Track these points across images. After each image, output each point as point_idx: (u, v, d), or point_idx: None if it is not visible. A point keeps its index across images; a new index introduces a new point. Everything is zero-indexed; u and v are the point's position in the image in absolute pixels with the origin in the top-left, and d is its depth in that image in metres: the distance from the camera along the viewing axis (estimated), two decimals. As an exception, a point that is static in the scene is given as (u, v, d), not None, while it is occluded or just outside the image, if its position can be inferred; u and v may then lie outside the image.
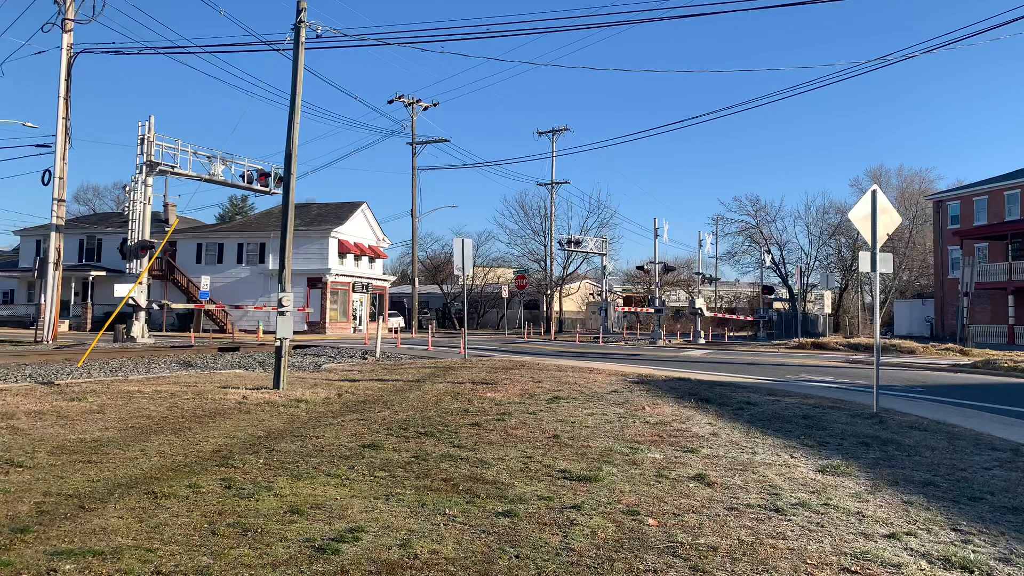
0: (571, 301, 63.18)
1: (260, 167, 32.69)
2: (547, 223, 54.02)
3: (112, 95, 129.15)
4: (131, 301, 27.07)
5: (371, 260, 47.19)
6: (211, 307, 38.14)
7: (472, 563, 4.11)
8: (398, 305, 57.76)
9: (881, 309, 45.57)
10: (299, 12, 14.02)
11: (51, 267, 26.92)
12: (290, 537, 4.49)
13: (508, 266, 63.51)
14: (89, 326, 39.24)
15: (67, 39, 26.85)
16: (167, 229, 33.19)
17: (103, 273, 42.24)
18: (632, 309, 50.72)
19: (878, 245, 10.59)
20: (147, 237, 29.33)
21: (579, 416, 9.58)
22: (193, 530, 4.59)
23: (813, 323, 50.96)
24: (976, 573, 4.13)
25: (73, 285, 42.36)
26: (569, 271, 59.82)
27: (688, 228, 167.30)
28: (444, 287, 64.44)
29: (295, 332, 15.78)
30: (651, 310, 42.48)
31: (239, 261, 42.81)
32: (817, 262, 58.68)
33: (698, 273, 47.44)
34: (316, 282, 40.99)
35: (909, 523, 5.05)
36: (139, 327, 28.61)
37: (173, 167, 29.86)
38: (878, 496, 5.78)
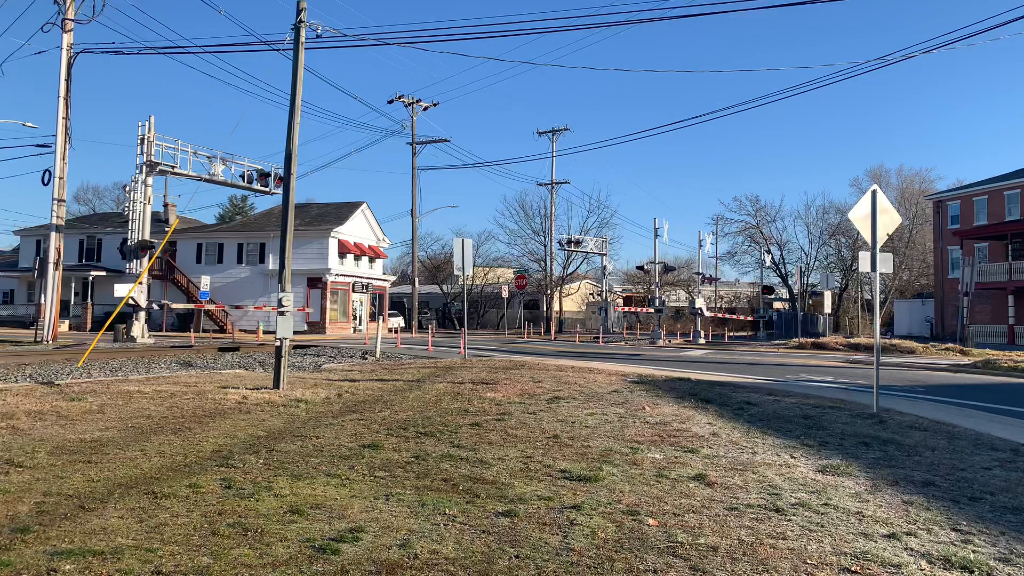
0: (571, 301, 63.19)
1: (260, 167, 32.71)
2: (547, 223, 54.03)
3: (112, 95, 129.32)
4: (131, 301, 27.08)
5: (371, 260, 47.19)
6: (211, 307, 38.12)
7: (472, 563, 4.11)
8: (398, 305, 57.75)
9: (881, 309, 45.58)
10: (299, 12, 14.02)
11: (51, 267, 26.92)
12: (290, 537, 4.49)
13: (508, 266, 63.52)
14: (89, 326, 39.22)
15: (67, 39, 26.85)
16: (167, 229, 33.17)
17: (103, 273, 42.23)
18: (632, 309, 50.72)
19: (878, 245, 10.60)
20: (147, 237, 29.34)
21: (579, 416, 9.58)
22: (193, 530, 4.59)
23: (813, 323, 50.98)
24: (976, 573, 4.14)
25: (73, 285, 42.36)
26: (569, 271, 59.85)
27: (688, 228, 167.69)
28: (444, 287, 64.44)
29: (295, 332, 15.78)
30: (651, 310, 42.48)
31: (239, 261, 42.81)
32: (817, 262, 58.87)
33: (698, 273, 47.46)
34: (316, 282, 40.99)
35: (909, 523, 5.05)
36: (139, 327, 28.62)
37: (173, 167, 29.88)
38: (878, 496, 5.78)
